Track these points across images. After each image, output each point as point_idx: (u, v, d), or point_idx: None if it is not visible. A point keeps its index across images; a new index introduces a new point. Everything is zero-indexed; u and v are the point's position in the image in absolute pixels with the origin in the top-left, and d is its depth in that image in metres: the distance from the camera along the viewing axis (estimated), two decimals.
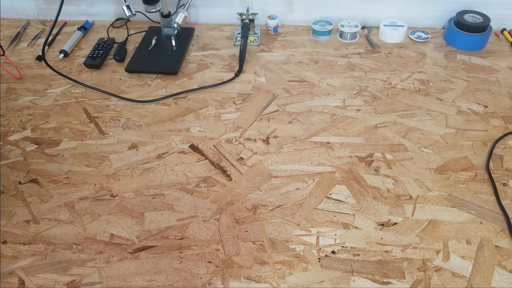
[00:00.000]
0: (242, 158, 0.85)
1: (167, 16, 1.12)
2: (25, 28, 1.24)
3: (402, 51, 1.12)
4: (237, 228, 0.73)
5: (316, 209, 0.76)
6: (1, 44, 1.12)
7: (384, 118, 0.93)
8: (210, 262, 0.69)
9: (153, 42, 1.14)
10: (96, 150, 0.88)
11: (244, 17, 1.18)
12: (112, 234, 0.73)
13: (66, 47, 1.13)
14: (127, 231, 0.74)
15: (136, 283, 0.66)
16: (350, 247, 0.70)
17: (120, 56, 1.10)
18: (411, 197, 0.77)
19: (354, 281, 0.66)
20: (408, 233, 0.72)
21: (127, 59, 1.12)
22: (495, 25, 1.17)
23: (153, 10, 1.04)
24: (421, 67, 1.07)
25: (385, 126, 0.91)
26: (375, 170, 0.82)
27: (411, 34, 1.17)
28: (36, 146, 0.89)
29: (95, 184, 0.81)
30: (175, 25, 1.14)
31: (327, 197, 0.78)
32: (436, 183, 0.80)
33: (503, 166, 0.82)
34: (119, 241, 0.72)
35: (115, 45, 1.16)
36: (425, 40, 1.15)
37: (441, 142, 0.87)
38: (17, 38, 1.20)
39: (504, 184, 0.79)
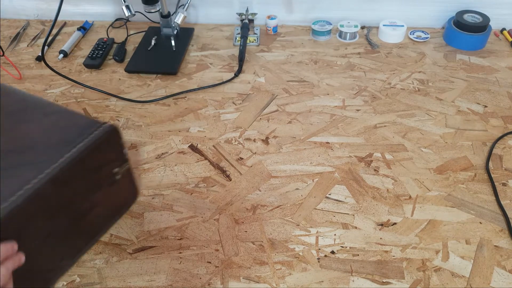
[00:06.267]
0: (241, 158, 0.85)
1: (166, 16, 1.12)
2: (24, 29, 1.24)
3: (402, 51, 1.12)
4: (236, 228, 0.73)
5: (316, 209, 0.76)
6: (1, 45, 1.12)
7: (383, 118, 0.93)
8: (210, 262, 0.69)
9: (153, 42, 1.14)
10: None
11: (243, 17, 1.18)
12: (111, 234, 0.73)
13: (65, 48, 1.13)
14: (127, 231, 0.74)
15: (135, 284, 0.66)
16: (350, 247, 0.70)
17: (119, 56, 1.10)
18: (410, 197, 0.77)
19: (353, 281, 0.66)
20: (408, 233, 0.72)
21: (127, 59, 1.12)
22: (494, 25, 1.17)
23: (153, 10, 1.04)
24: (420, 67, 1.07)
25: (385, 126, 0.91)
26: (375, 170, 0.82)
27: (410, 34, 1.17)
28: None
29: None
30: (175, 25, 1.14)
31: (327, 197, 0.78)
32: (436, 183, 0.80)
33: (502, 166, 0.82)
34: (119, 241, 0.72)
35: (115, 45, 1.16)
36: (425, 40, 1.15)
37: (441, 142, 0.87)
38: (16, 38, 1.20)
39: (504, 184, 0.79)
